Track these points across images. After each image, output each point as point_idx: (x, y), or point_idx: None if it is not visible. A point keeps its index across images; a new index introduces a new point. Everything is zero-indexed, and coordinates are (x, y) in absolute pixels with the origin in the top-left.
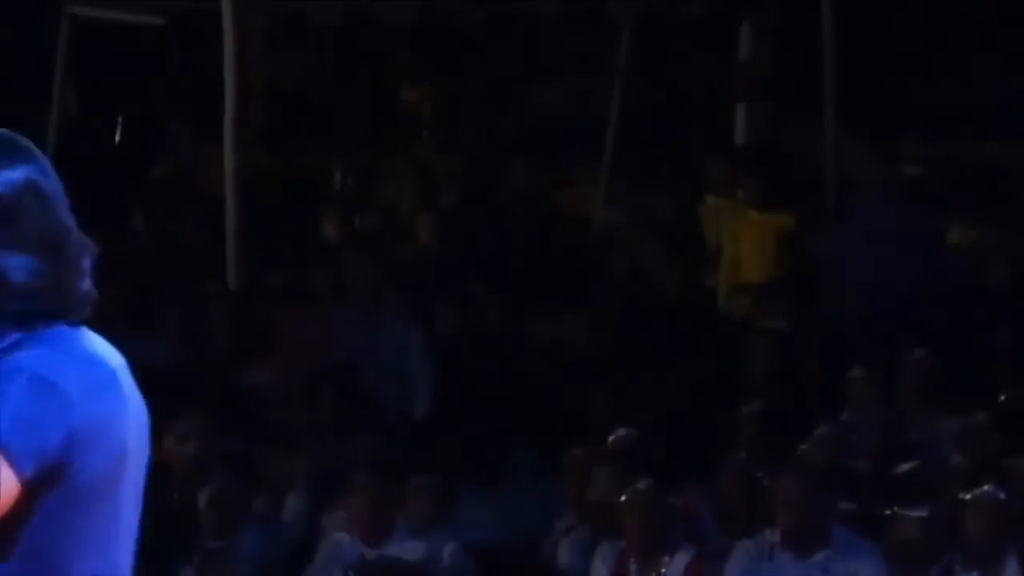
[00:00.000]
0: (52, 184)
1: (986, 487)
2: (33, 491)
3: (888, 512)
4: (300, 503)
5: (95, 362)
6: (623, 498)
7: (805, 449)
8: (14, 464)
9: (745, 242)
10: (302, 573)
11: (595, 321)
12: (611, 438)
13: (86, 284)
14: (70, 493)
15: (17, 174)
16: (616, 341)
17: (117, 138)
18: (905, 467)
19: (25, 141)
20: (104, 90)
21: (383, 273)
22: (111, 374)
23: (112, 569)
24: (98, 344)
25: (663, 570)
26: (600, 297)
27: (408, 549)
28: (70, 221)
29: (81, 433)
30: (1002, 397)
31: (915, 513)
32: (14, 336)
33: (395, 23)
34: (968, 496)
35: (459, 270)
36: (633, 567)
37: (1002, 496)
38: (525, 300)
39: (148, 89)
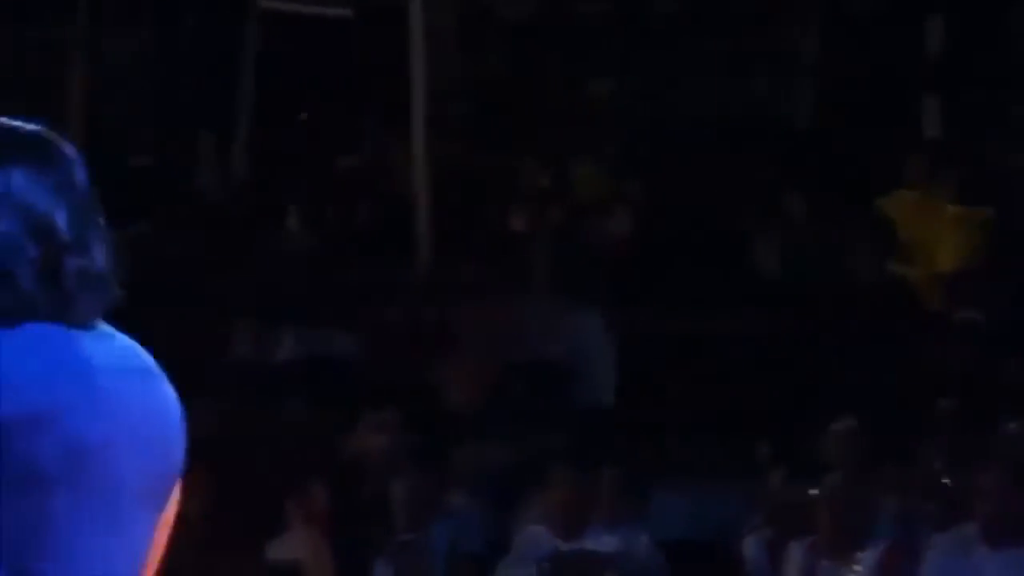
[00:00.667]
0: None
1: None
2: None
3: None
4: (492, 497)
5: (55, 355)
6: (815, 493)
7: (1001, 442)
8: None
9: (942, 236)
10: (494, 566)
11: (786, 315)
12: (833, 426)
13: (26, 284)
14: None
15: None
16: (810, 336)
17: (305, 130)
18: None
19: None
20: (292, 83)
21: (570, 266)
22: (78, 367)
23: (60, 568)
24: (81, 342)
25: (856, 567)
26: (791, 291)
27: (603, 543)
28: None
29: (10, 418)
30: None
31: None
32: None
33: (588, 15)
34: None
35: (646, 263)
36: (824, 564)
37: None
38: (714, 293)
39: (336, 83)
